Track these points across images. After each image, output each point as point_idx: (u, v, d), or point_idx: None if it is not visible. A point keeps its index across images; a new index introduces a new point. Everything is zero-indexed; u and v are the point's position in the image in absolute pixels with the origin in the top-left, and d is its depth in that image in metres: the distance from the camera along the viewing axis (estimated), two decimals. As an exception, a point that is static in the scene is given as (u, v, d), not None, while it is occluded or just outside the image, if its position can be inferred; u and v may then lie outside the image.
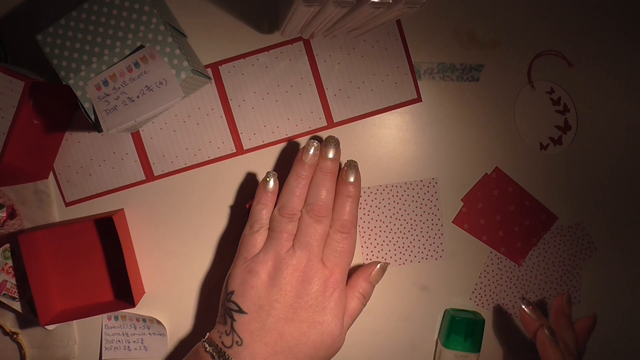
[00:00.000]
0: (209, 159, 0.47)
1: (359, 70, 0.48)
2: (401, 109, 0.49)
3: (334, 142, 0.42)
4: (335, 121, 0.48)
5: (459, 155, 0.50)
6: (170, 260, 0.48)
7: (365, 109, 0.48)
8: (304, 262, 0.40)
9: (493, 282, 0.50)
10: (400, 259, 0.49)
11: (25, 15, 0.46)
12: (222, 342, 0.39)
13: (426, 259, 0.50)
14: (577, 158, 0.51)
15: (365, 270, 0.44)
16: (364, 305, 0.44)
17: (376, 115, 0.49)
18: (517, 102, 0.50)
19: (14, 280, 0.45)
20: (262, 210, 0.42)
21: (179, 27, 0.45)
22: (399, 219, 0.49)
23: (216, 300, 0.43)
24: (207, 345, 0.39)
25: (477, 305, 0.50)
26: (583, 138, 0.51)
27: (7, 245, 0.45)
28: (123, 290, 0.47)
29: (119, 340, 0.47)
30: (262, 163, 0.48)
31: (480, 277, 0.50)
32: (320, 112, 0.48)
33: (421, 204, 0.49)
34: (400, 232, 0.49)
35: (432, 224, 0.50)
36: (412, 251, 0.49)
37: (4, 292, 0.45)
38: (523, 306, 0.47)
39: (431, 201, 0.49)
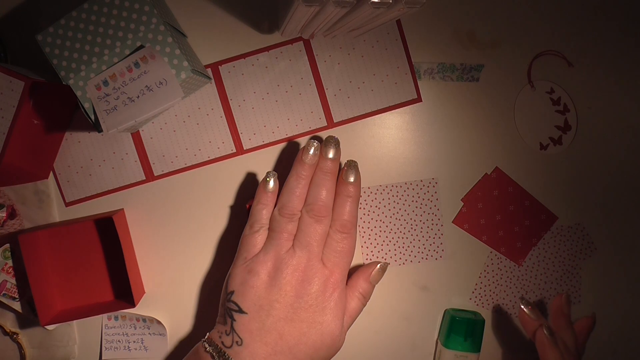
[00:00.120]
0: (209, 159, 0.47)
1: (359, 70, 0.48)
2: (401, 109, 0.49)
3: (334, 142, 0.42)
4: (335, 121, 0.48)
5: (459, 155, 0.50)
6: (170, 260, 0.48)
7: (365, 109, 0.48)
8: (304, 262, 0.40)
9: (493, 282, 0.50)
10: (400, 259, 0.49)
11: (25, 15, 0.46)
12: (222, 342, 0.39)
13: (426, 259, 0.50)
14: (577, 158, 0.51)
15: (365, 270, 0.44)
16: (364, 305, 0.44)
17: (376, 115, 0.49)
18: (517, 102, 0.50)
19: (14, 280, 0.45)
20: (262, 210, 0.42)
21: (179, 27, 0.45)
22: (399, 219, 0.49)
23: (216, 300, 0.43)
24: (207, 345, 0.39)
25: (477, 305, 0.50)
26: (583, 138, 0.51)
27: (7, 245, 0.45)
28: (123, 290, 0.47)
29: (119, 340, 0.47)
30: (262, 163, 0.48)
31: (480, 277, 0.50)
32: (320, 112, 0.48)
33: (421, 204, 0.49)
34: (400, 232, 0.49)
35: (432, 224, 0.50)
36: (412, 251, 0.49)
37: (4, 292, 0.45)
38: (522, 306, 0.47)
39: (431, 201, 0.49)
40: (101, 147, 0.47)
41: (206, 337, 0.40)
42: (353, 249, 0.42)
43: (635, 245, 0.52)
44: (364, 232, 0.49)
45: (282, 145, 0.48)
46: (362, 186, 0.48)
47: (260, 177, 0.48)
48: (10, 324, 0.47)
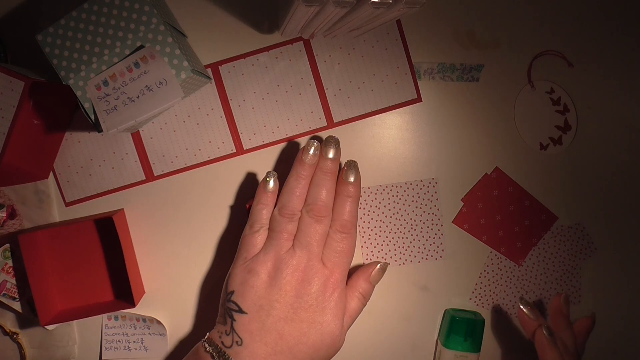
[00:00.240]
0: (209, 159, 0.47)
1: (359, 70, 0.48)
2: (401, 109, 0.49)
3: (334, 142, 0.42)
4: (335, 121, 0.48)
5: (459, 155, 0.50)
6: (170, 260, 0.48)
7: (365, 109, 0.48)
8: (304, 262, 0.40)
9: (493, 282, 0.50)
10: (400, 259, 0.49)
11: (25, 15, 0.46)
12: (222, 342, 0.39)
13: (426, 259, 0.50)
14: (577, 158, 0.51)
15: (365, 270, 0.44)
16: (364, 305, 0.44)
17: (376, 115, 0.49)
18: (517, 102, 0.50)
19: (14, 280, 0.45)
20: (262, 210, 0.42)
21: (179, 27, 0.45)
22: (399, 219, 0.49)
23: (216, 300, 0.43)
24: (207, 345, 0.39)
25: (477, 305, 0.50)
26: (583, 138, 0.51)
27: (7, 245, 0.45)
28: (123, 290, 0.47)
29: (119, 340, 0.47)
30: (262, 163, 0.48)
31: (480, 277, 0.50)
32: (320, 112, 0.48)
33: (421, 204, 0.49)
34: (400, 232, 0.49)
35: (432, 224, 0.50)
36: (412, 251, 0.49)
37: (4, 292, 0.45)
38: (521, 306, 0.47)
39: (431, 201, 0.49)
40: (101, 147, 0.47)
41: (206, 337, 0.40)
42: (353, 249, 0.42)
43: (635, 245, 0.52)
44: (364, 232, 0.49)
45: (282, 145, 0.48)
46: (362, 186, 0.48)
47: (260, 177, 0.48)
48: (10, 324, 0.47)
